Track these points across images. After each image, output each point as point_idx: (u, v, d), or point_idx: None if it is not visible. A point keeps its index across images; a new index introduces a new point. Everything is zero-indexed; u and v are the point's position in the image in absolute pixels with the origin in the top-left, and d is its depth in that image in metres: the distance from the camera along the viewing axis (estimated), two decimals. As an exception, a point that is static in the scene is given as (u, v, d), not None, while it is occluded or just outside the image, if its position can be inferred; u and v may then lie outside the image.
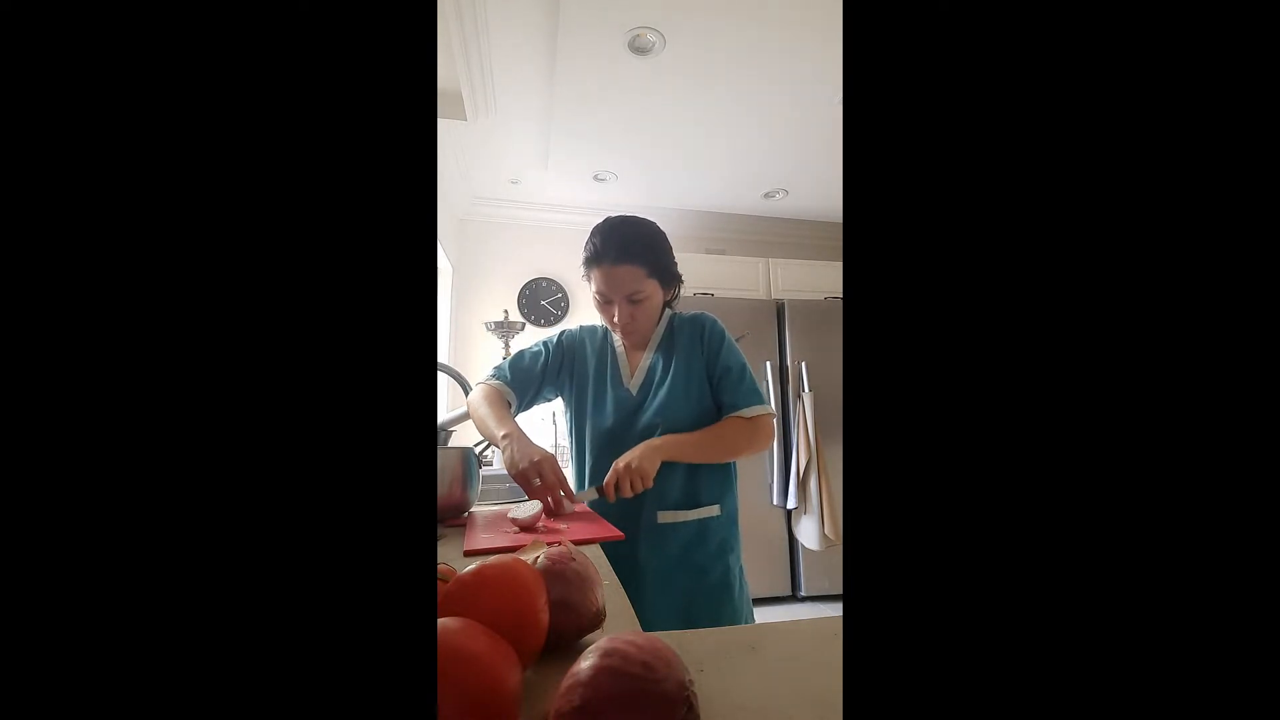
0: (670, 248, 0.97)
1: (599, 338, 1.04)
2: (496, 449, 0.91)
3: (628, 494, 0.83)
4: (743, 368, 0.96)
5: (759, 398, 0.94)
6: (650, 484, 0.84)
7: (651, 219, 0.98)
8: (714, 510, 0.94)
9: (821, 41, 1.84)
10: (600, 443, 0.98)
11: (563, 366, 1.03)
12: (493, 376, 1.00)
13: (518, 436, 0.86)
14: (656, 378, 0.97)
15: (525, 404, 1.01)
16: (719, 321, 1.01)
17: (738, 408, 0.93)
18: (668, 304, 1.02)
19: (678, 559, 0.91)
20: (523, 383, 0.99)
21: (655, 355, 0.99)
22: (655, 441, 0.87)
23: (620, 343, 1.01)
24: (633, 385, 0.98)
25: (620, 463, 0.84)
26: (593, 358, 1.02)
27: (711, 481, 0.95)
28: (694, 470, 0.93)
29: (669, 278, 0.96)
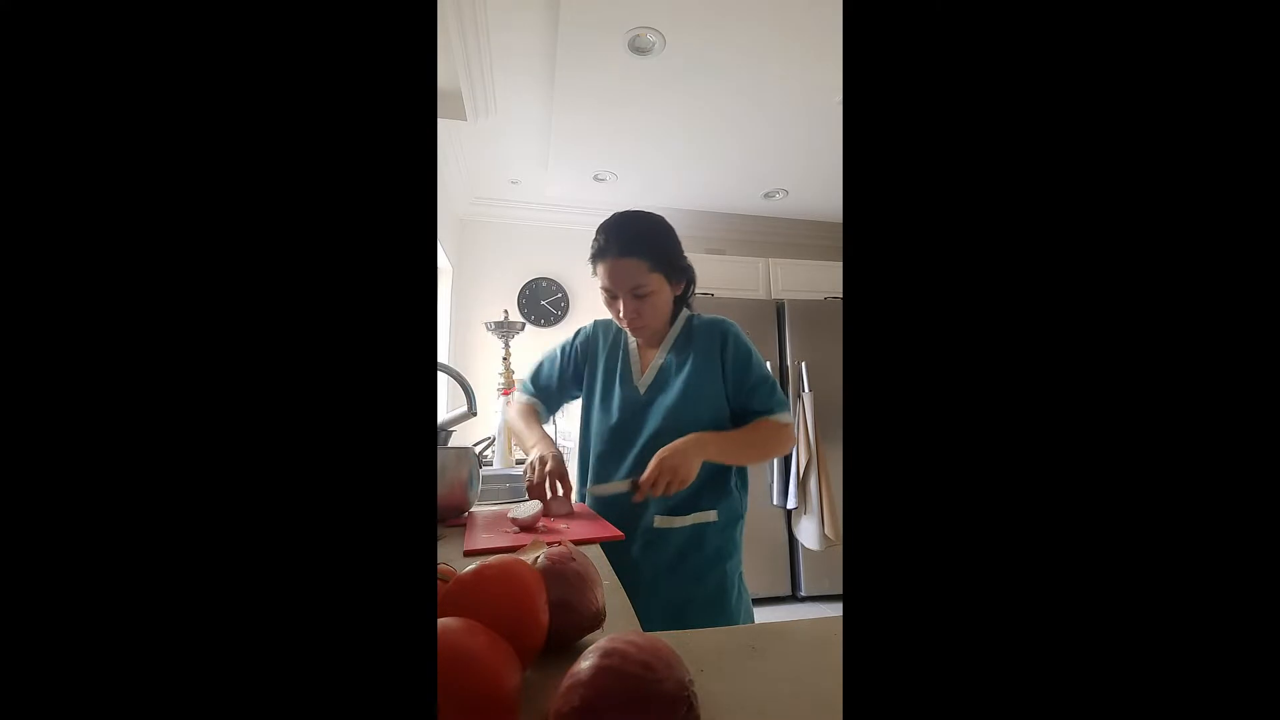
0: (677, 242, 0.95)
1: (613, 332, 1.03)
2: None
3: (659, 494, 0.81)
4: (769, 377, 0.96)
5: (787, 405, 0.95)
6: (687, 485, 0.82)
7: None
8: (710, 516, 0.92)
9: (821, 41, 1.84)
10: (604, 440, 0.96)
11: (578, 367, 1.03)
12: (521, 391, 1.07)
13: (541, 440, 0.94)
14: (669, 379, 0.94)
15: (552, 411, 1.05)
16: (742, 332, 0.98)
17: (772, 413, 0.92)
18: (684, 302, 0.99)
19: (671, 564, 0.89)
20: (545, 393, 1.05)
21: (668, 355, 0.96)
22: (704, 439, 0.85)
23: (634, 339, 1.00)
24: (642, 384, 0.96)
25: (663, 456, 0.81)
26: (604, 353, 1.01)
27: (709, 487, 0.92)
28: None
29: (675, 272, 0.93)
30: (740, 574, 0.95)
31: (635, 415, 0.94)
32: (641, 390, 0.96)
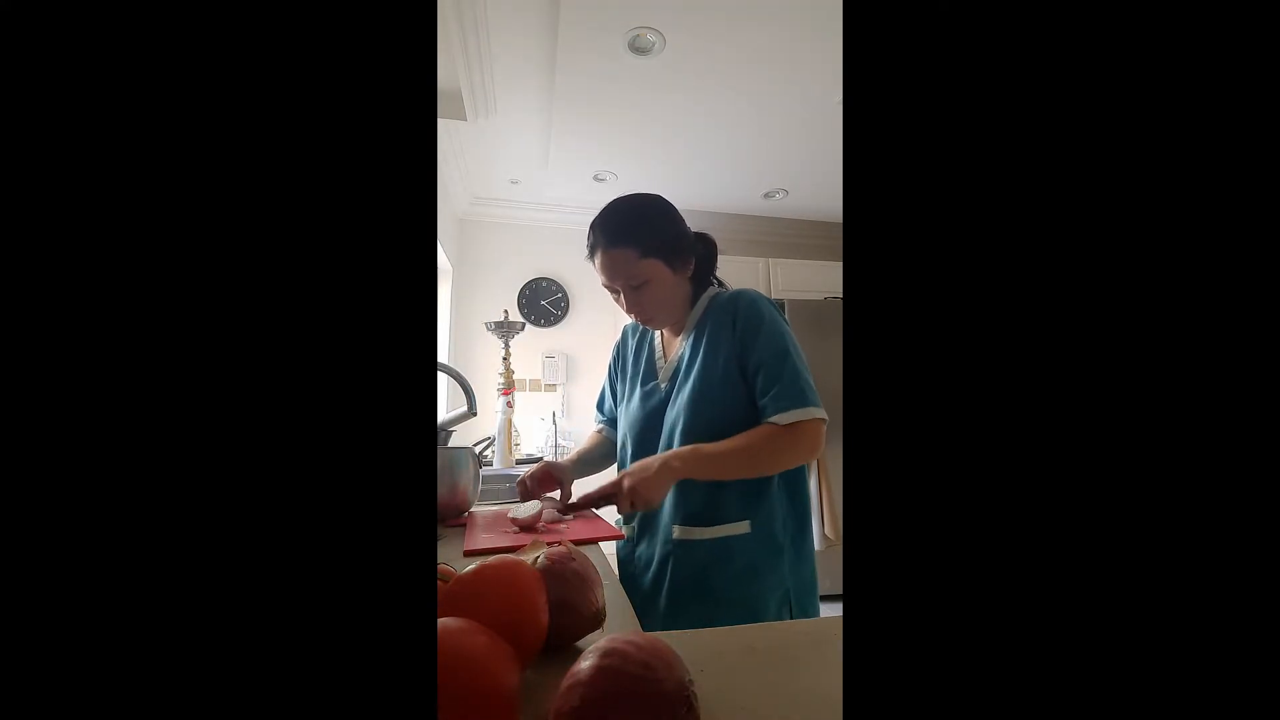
0: (674, 220, 0.84)
1: (639, 329, 0.98)
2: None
3: (627, 511, 0.76)
4: (782, 358, 0.78)
5: (801, 398, 0.76)
6: (654, 507, 0.76)
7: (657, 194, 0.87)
8: (741, 527, 0.78)
9: (821, 41, 1.84)
10: (629, 442, 0.90)
11: (619, 376, 1.01)
12: (595, 419, 1.09)
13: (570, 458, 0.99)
14: (683, 370, 0.84)
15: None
16: (760, 301, 0.82)
17: (771, 412, 0.76)
18: (704, 282, 0.90)
19: (693, 582, 0.78)
20: (610, 416, 1.05)
21: (687, 343, 0.86)
22: (674, 461, 0.74)
23: (659, 332, 0.93)
24: (663, 377, 0.88)
25: (626, 480, 0.74)
26: (632, 352, 0.97)
27: (739, 492, 0.79)
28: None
29: (675, 253, 0.82)
30: (786, 595, 0.79)
31: (655, 412, 0.86)
32: (663, 384, 0.88)
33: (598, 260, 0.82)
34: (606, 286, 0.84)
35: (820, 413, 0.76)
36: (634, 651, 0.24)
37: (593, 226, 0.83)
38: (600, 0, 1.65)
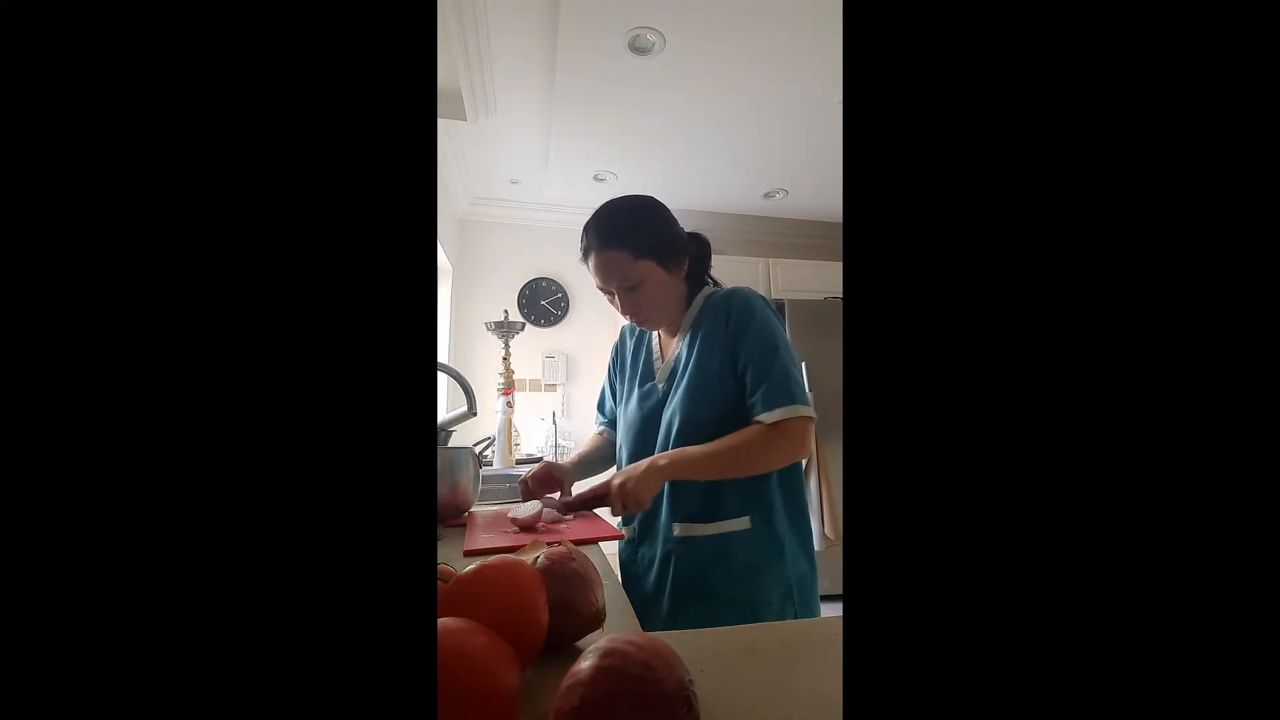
0: (666, 221, 0.84)
1: (637, 330, 0.99)
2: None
3: (620, 513, 0.77)
4: (771, 354, 0.78)
5: (787, 396, 0.76)
6: (644, 508, 0.76)
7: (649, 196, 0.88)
8: (740, 523, 0.78)
9: (821, 41, 1.84)
10: (628, 441, 0.91)
11: (617, 377, 1.02)
12: (596, 421, 1.09)
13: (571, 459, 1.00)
14: (679, 369, 0.85)
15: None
16: (753, 298, 0.83)
17: (758, 411, 0.76)
18: (699, 281, 0.91)
19: (695, 580, 0.78)
20: (611, 417, 1.05)
21: (682, 343, 0.87)
22: (660, 460, 0.76)
23: (656, 332, 0.94)
24: (660, 377, 0.89)
25: (616, 480, 0.76)
26: (630, 352, 0.98)
27: (735, 488, 0.79)
28: None
29: (669, 253, 0.83)
30: (788, 591, 0.79)
31: (653, 412, 0.87)
32: (660, 384, 0.88)
33: (591, 263, 0.82)
34: (601, 289, 0.85)
35: (807, 410, 0.76)
36: (634, 651, 0.24)
37: (586, 230, 0.84)
38: (600, 0, 1.65)
